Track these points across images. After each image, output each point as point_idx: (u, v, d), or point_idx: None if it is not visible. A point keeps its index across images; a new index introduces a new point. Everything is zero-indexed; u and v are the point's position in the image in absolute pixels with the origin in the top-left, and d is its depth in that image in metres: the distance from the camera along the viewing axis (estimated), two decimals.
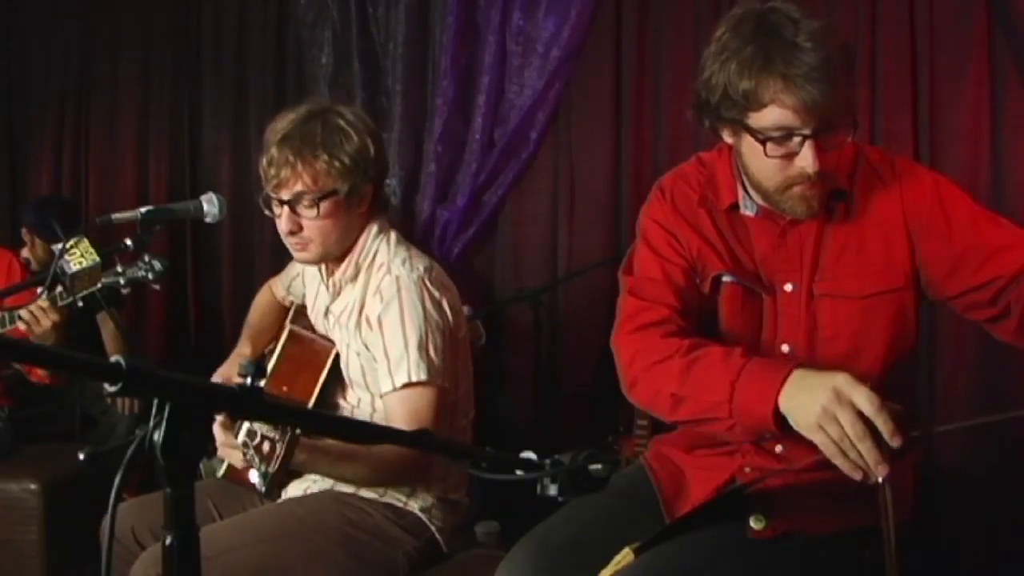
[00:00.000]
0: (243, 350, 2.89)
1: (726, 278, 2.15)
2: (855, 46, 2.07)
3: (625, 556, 1.99)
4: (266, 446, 1.86)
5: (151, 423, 1.22)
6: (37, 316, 3.05)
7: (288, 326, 2.71)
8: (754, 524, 2.04)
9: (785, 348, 2.13)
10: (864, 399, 1.74)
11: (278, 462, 1.82)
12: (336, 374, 2.64)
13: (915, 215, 2.10)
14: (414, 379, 2.44)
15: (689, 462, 2.22)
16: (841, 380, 1.77)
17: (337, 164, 2.48)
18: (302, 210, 2.52)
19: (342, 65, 4.70)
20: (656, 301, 2.14)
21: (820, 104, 1.91)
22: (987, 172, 3.67)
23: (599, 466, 1.61)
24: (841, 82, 1.93)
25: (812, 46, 1.90)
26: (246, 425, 2.03)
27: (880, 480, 1.77)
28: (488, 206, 4.50)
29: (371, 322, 2.52)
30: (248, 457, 1.92)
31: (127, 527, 2.53)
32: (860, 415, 1.74)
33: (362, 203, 2.58)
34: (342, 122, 2.52)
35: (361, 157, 2.52)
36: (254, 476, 1.87)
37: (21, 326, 3.09)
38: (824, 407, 1.75)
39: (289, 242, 2.59)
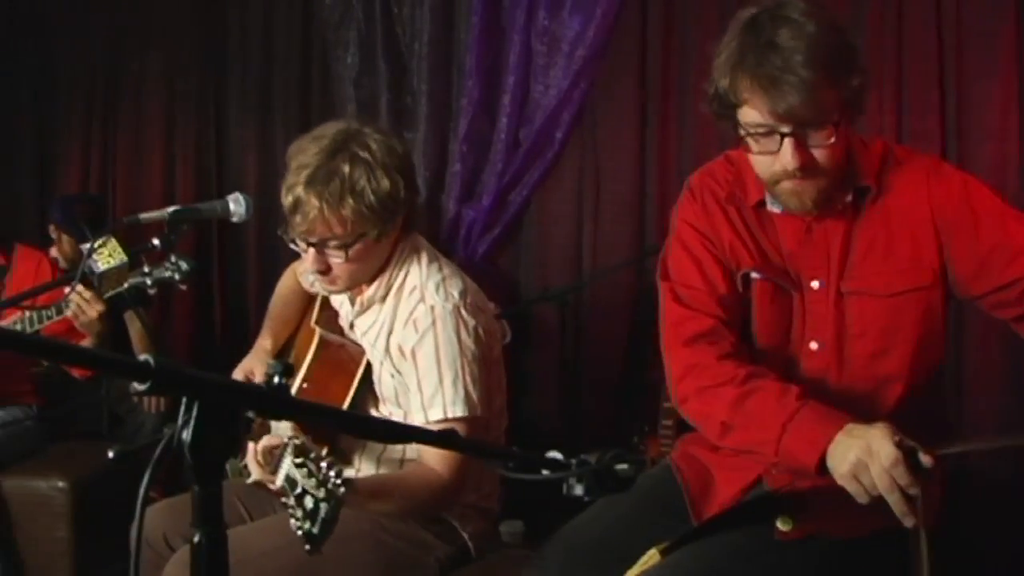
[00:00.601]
0: (264, 343, 2.84)
1: (755, 275, 2.16)
2: (855, 43, 2.05)
3: (652, 557, 1.99)
4: (308, 502, 1.82)
5: (179, 422, 1.22)
6: (83, 307, 3.07)
7: (317, 331, 2.67)
8: (781, 526, 2.04)
9: (814, 345, 2.14)
10: (884, 455, 1.81)
11: (321, 525, 1.78)
12: (368, 382, 2.61)
13: (942, 214, 2.09)
14: (449, 415, 2.40)
15: (716, 462, 2.22)
16: (874, 434, 1.84)
17: (365, 210, 2.38)
18: (330, 252, 2.44)
19: (367, 65, 4.70)
20: (700, 310, 2.17)
21: (792, 105, 1.94)
22: (1016, 171, 3.65)
23: (625, 466, 1.60)
24: (818, 83, 1.93)
25: (788, 46, 1.93)
26: (284, 470, 1.99)
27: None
28: (513, 206, 4.50)
29: (404, 352, 2.48)
30: (289, 508, 1.89)
31: (158, 531, 2.51)
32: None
33: (392, 235, 2.51)
34: (368, 157, 2.40)
35: (390, 199, 2.42)
36: (295, 527, 1.84)
37: (68, 314, 3.11)
38: (858, 458, 1.84)
39: (316, 278, 2.55)
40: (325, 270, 2.47)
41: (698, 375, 2.11)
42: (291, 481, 1.91)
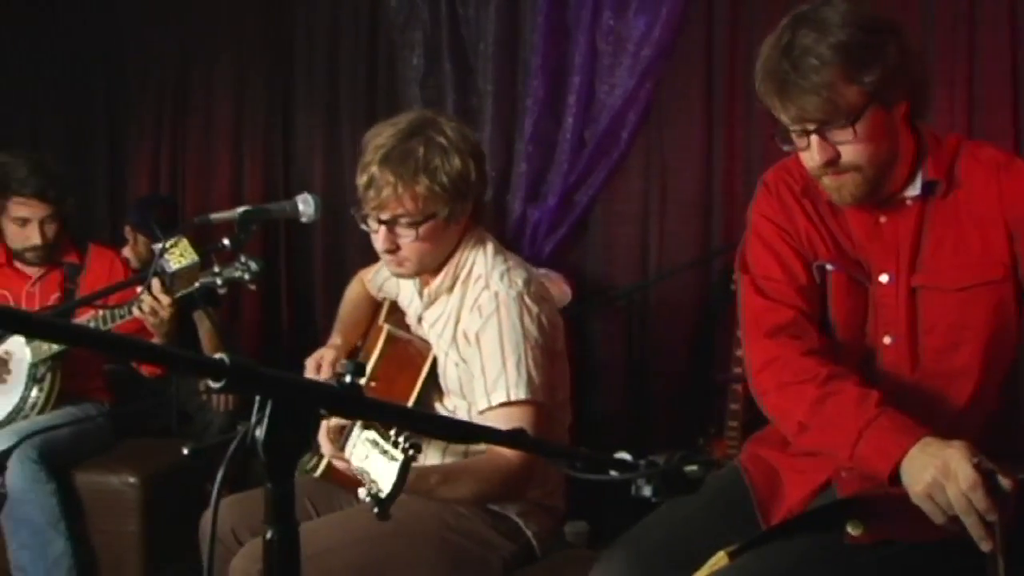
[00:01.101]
0: (336, 340, 2.86)
1: (829, 266, 2.16)
2: (881, 38, 2.03)
3: (719, 559, 1.98)
4: (378, 465, 1.85)
5: (253, 420, 1.23)
6: (155, 307, 3.11)
7: (385, 328, 2.69)
8: (851, 530, 2.01)
9: (887, 339, 2.13)
10: (963, 477, 1.78)
11: (392, 486, 1.80)
12: (434, 377, 2.62)
13: (1013, 209, 2.07)
14: (512, 398, 2.41)
15: (785, 463, 2.20)
16: (952, 453, 1.81)
17: (438, 189, 2.43)
18: (400, 230, 2.48)
19: (433, 66, 4.73)
20: (781, 302, 2.16)
21: (802, 107, 1.97)
22: None
23: (694, 467, 1.60)
24: (829, 83, 1.94)
25: (800, 49, 1.95)
26: (354, 438, 2.02)
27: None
28: (579, 206, 4.50)
29: (468, 337, 2.50)
30: (359, 474, 1.92)
31: (226, 525, 2.54)
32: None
33: (461, 220, 2.54)
34: (443, 141, 2.45)
35: (462, 180, 2.46)
36: (363, 494, 1.86)
37: (136, 313, 3.16)
38: (934, 478, 1.81)
39: (385, 258, 2.57)
40: (394, 249, 2.51)
41: (779, 369, 2.10)
42: (361, 449, 1.94)
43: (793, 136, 2.06)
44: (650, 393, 4.47)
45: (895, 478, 1.88)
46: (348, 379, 1.28)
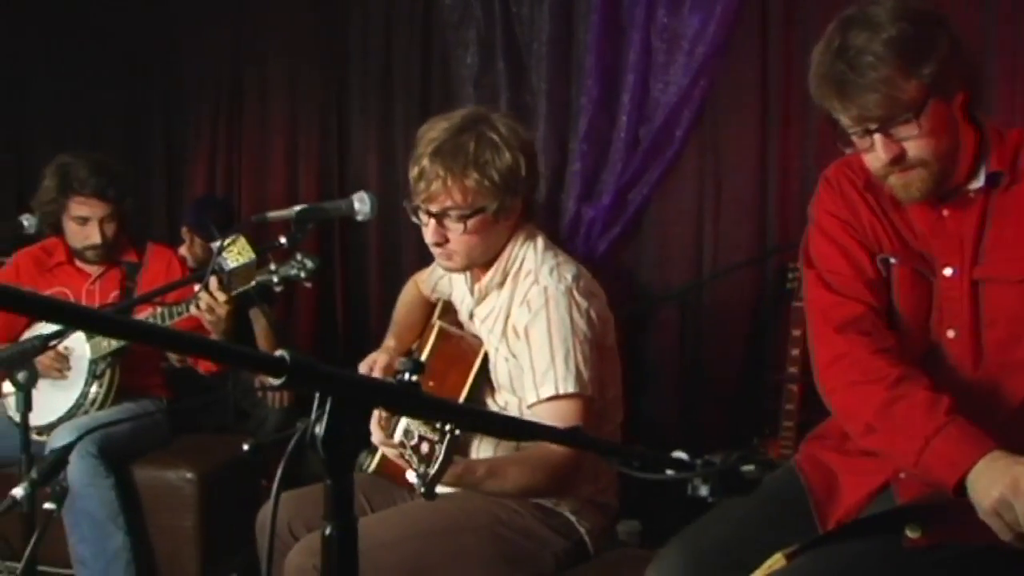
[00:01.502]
0: (390, 343, 2.87)
1: (893, 260, 2.15)
2: (934, 30, 2.01)
3: (776, 561, 1.97)
4: (424, 447, 1.87)
5: (312, 416, 1.24)
6: (212, 305, 3.14)
7: (437, 323, 2.71)
8: (910, 533, 1.99)
9: (951, 333, 2.11)
10: None
11: (438, 464, 1.82)
12: (485, 373, 2.63)
13: None
14: (560, 391, 2.42)
15: (842, 465, 2.18)
16: (1021, 470, 1.79)
17: (487, 183, 2.45)
18: (449, 224, 2.51)
19: (487, 64, 4.73)
20: (849, 296, 2.15)
21: (864, 107, 1.96)
22: None
23: (751, 467, 1.59)
24: (888, 80, 1.93)
25: (855, 49, 1.94)
26: (402, 424, 2.05)
27: None
28: (633, 204, 4.48)
29: (518, 332, 2.51)
30: (406, 457, 1.94)
31: (283, 520, 2.57)
32: None
33: (510, 216, 2.56)
34: (495, 136, 2.48)
35: (512, 175, 2.48)
36: (412, 476, 1.88)
37: (193, 311, 3.19)
38: (1002, 495, 1.79)
39: (434, 251, 2.59)
40: (443, 242, 2.53)
41: (848, 367, 2.09)
42: (408, 432, 1.97)
43: (854, 139, 2.05)
44: (704, 393, 4.45)
45: (960, 489, 1.86)
46: (406, 376, 1.29)
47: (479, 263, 2.61)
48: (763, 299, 4.33)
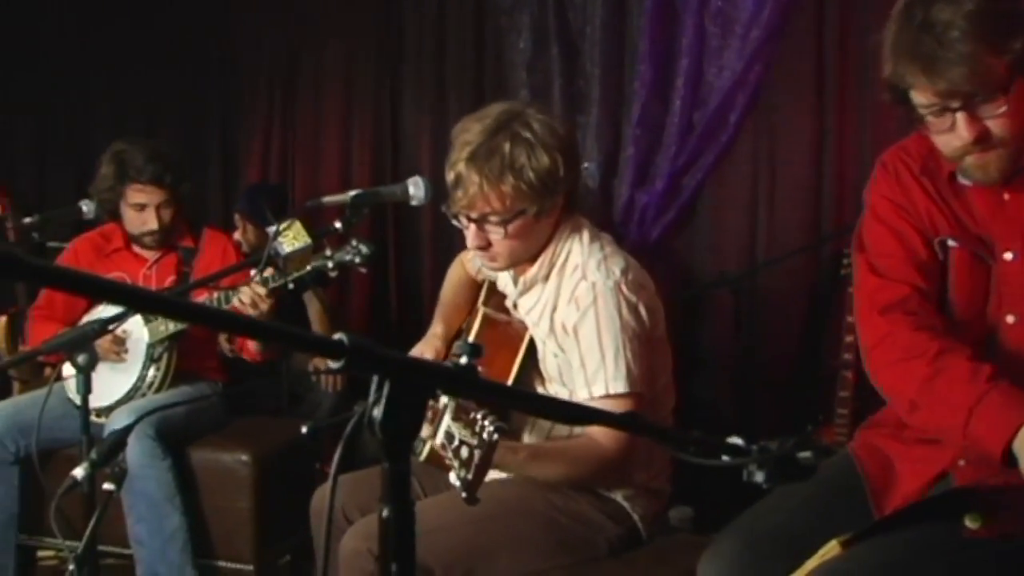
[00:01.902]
0: (436, 330, 2.88)
1: (952, 243, 2.12)
2: (1018, 5, 1.97)
3: (831, 548, 1.95)
4: (464, 451, 1.87)
5: (370, 399, 1.25)
6: (256, 301, 3.16)
7: (481, 309, 2.71)
8: (969, 523, 1.96)
9: (1011, 318, 2.08)
10: None
11: (475, 470, 1.83)
12: (531, 359, 2.63)
13: None
14: (611, 391, 2.42)
15: (900, 452, 2.16)
16: None
17: (524, 187, 2.42)
18: (490, 228, 2.48)
19: (540, 50, 4.72)
20: (896, 279, 2.13)
21: (952, 82, 1.90)
22: None
23: (808, 454, 1.57)
24: (977, 55, 1.88)
25: (942, 23, 1.89)
26: (444, 426, 2.05)
27: None
28: (687, 190, 4.46)
29: (567, 329, 2.50)
30: (448, 460, 1.95)
31: (337, 503, 2.58)
32: None
33: (552, 214, 2.53)
34: (530, 136, 2.43)
35: (550, 176, 2.44)
36: (453, 478, 1.89)
37: (237, 304, 3.21)
38: None
39: (477, 254, 2.59)
40: (485, 246, 2.52)
41: (890, 346, 2.08)
42: (449, 435, 1.98)
43: (929, 120, 1.99)
44: (758, 379, 4.42)
45: (1009, 458, 1.83)
46: (463, 360, 1.29)
47: (523, 261, 2.59)
48: (818, 285, 4.29)
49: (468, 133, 2.47)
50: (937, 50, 1.89)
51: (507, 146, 2.42)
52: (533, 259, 2.59)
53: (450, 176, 2.48)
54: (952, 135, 1.98)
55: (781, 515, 2.14)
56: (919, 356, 2.01)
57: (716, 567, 2.13)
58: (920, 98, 1.98)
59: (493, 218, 2.46)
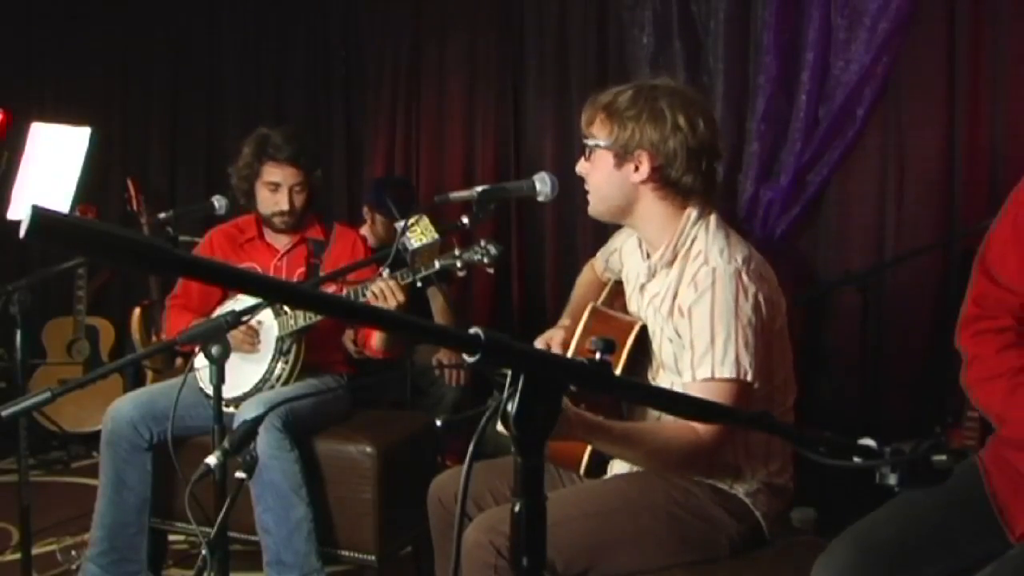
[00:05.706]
0: (565, 322, 2.87)
1: None
2: None
3: None
4: None
5: (504, 394, 1.26)
6: (387, 294, 3.21)
7: (591, 304, 2.71)
8: None
9: None
10: None
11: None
12: (640, 353, 2.61)
13: None
14: (716, 375, 2.38)
15: None
16: None
17: (615, 120, 2.49)
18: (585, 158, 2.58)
19: (663, 44, 4.70)
20: (1008, 288, 2.11)
21: None
22: None
23: (942, 457, 1.54)
24: None
25: None
26: None
27: None
28: (812, 186, 4.40)
29: (683, 311, 2.47)
30: None
31: (453, 496, 2.63)
32: None
33: (633, 167, 2.51)
34: (657, 94, 2.48)
35: (650, 126, 2.47)
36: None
37: (371, 298, 3.26)
38: None
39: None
40: (584, 175, 2.59)
41: (979, 366, 2.11)
42: None
43: None
44: (885, 379, 4.33)
45: None
46: (598, 355, 1.30)
47: (604, 213, 2.61)
48: (948, 284, 4.19)
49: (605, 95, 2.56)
50: None
51: (631, 91, 2.50)
52: (661, 243, 2.58)
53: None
54: None
55: (900, 525, 2.09)
56: (1002, 375, 2.05)
57: (830, 573, 2.09)
58: None
59: (588, 142, 2.55)
